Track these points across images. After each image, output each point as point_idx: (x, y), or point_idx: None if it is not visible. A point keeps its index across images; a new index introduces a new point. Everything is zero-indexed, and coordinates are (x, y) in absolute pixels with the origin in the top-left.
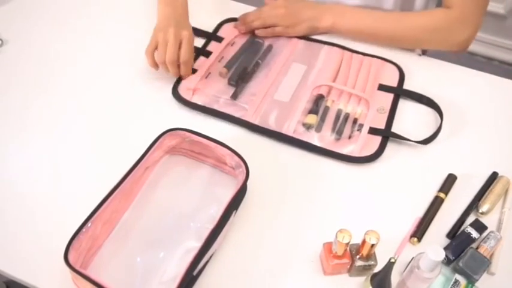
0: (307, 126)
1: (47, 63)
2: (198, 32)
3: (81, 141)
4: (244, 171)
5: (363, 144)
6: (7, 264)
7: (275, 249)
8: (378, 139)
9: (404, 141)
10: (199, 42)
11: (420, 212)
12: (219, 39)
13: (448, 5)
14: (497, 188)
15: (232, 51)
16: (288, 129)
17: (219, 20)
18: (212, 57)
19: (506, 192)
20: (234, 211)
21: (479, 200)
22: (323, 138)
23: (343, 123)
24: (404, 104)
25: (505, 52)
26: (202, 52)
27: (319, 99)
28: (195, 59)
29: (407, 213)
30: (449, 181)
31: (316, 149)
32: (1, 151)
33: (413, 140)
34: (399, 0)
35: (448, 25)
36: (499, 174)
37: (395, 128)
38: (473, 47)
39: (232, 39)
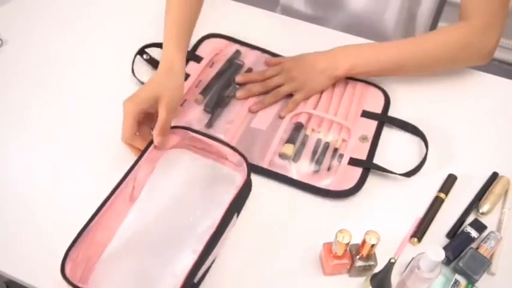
0: (284, 157)
1: (47, 63)
2: None
3: (82, 141)
4: (246, 169)
5: (342, 176)
6: (7, 264)
7: (275, 249)
8: (358, 170)
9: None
10: None
11: (420, 212)
12: (198, 59)
13: (469, 15)
14: (497, 188)
15: (210, 74)
16: (263, 161)
17: (200, 35)
18: (189, 81)
19: (506, 192)
20: (236, 214)
21: (479, 200)
22: (301, 169)
23: (322, 154)
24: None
25: (505, 52)
26: None
27: (298, 127)
28: None
29: (407, 213)
30: (450, 181)
31: (293, 181)
32: (1, 151)
33: (395, 172)
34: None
35: (478, 37)
36: (499, 175)
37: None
38: None
39: (212, 59)
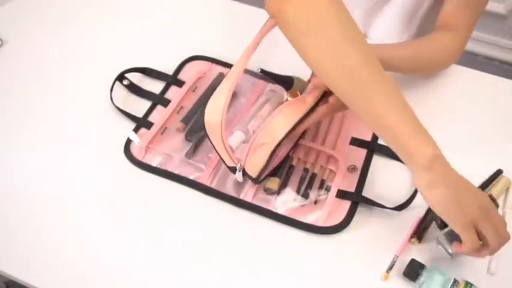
0: (269, 192)
1: (47, 63)
2: (157, 75)
3: (82, 141)
4: None
5: (329, 210)
6: (7, 264)
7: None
8: (347, 204)
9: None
10: (158, 86)
11: (420, 212)
12: (180, 84)
13: (454, 27)
14: (497, 188)
15: (193, 99)
16: (246, 194)
17: (182, 57)
18: (170, 108)
19: (506, 192)
20: None
21: None
22: (286, 203)
23: (309, 186)
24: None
25: (505, 52)
26: (160, 100)
27: (284, 157)
28: (153, 107)
29: (407, 213)
30: None
31: (278, 216)
32: (0, 151)
33: (385, 206)
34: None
35: (461, 49)
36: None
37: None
38: (474, 47)
39: (195, 83)
